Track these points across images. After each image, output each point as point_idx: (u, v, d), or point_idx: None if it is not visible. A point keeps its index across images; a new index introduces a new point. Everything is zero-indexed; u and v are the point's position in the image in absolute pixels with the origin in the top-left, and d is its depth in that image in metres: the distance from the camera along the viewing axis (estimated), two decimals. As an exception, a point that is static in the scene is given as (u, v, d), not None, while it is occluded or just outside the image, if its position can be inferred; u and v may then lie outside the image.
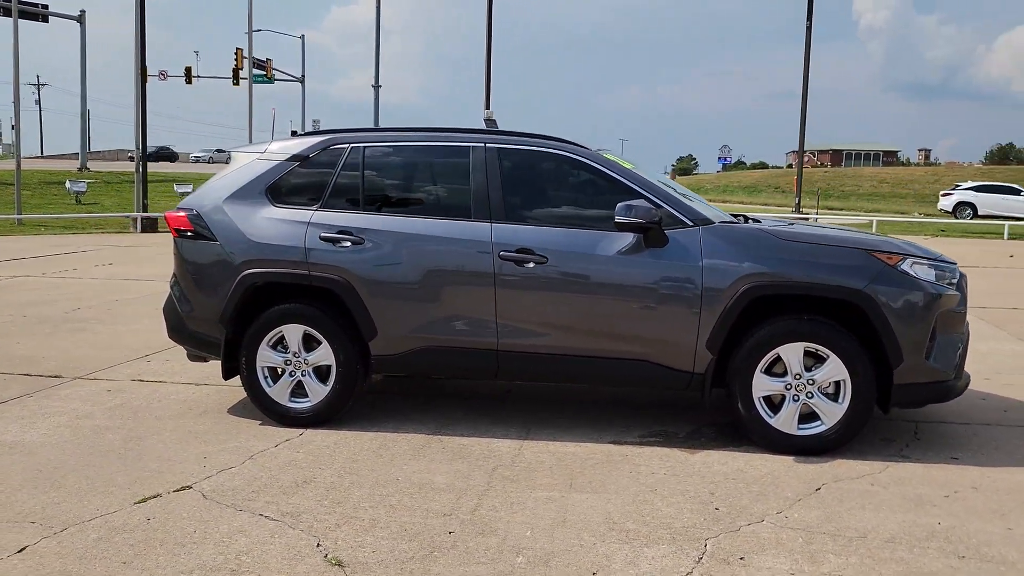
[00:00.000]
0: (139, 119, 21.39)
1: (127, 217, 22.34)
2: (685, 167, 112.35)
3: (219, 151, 70.91)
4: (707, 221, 4.69)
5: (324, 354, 4.95)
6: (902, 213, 38.48)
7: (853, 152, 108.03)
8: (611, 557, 3.38)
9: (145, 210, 21.53)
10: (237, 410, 5.38)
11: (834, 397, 4.52)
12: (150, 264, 13.86)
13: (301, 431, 4.94)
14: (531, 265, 4.70)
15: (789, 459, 4.50)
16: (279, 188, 5.11)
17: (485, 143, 4.96)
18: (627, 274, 4.63)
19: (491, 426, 5.06)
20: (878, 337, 4.42)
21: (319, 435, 4.88)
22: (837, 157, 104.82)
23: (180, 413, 5.31)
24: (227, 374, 5.17)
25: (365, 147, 5.10)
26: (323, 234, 4.93)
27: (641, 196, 4.70)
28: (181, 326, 5.26)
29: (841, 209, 40.13)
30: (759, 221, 5.12)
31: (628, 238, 4.64)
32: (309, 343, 4.99)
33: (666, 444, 4.76)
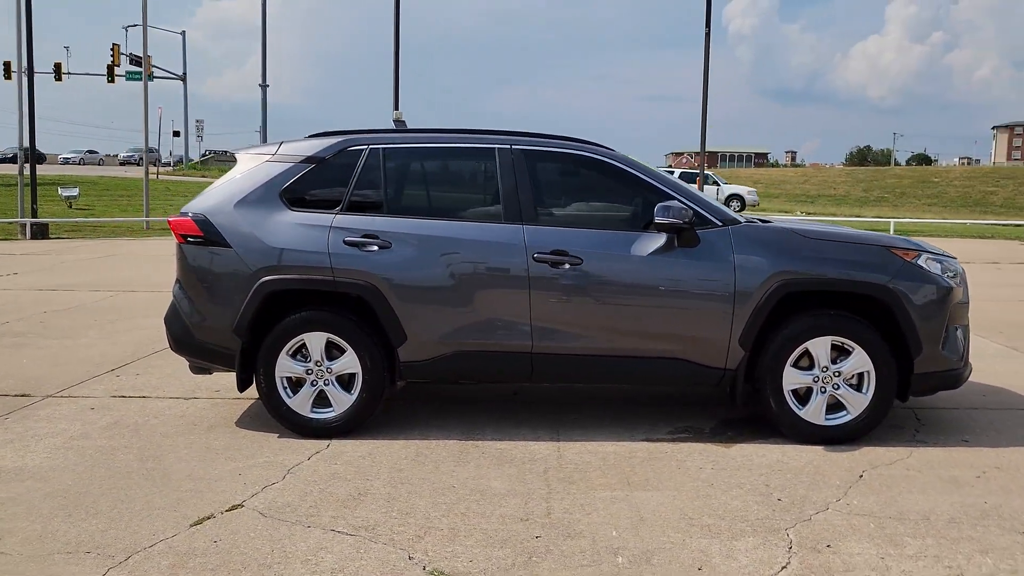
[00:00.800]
0: (27, 119, 20.02)
1: (13, 223, 20.87)
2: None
3: (90, 152, 67.23)
4: (735, 221, 4.82)
5: (349, 362, 4.81)
6: (785, 212, 40.40)
7: (727, 154, 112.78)
8: (707, 552, 3.43)
9: (34, 215, 20.20)
10: (246, 423, 5.16)
11: (858, 388, 4.72)
12: (60, 272, 13.05)
13: (327, 442, 4.78)
14: (566, 267, 4.70)
15: (819, 449, 4.68)
16: (294, 191, 4.93)
17: (511, 145, 4.94)
18: (662, 274, 4.71)
19: (518, 429, 5.04)
20: (900, 329, 4.66)
21: (348, 446, 4.73)
22: (712, 158, 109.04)
23: (186, 429, 5.04)
24: (242, 386, 4.94)
25: (384, 149, 4.98)
26: (347, 238, 4.78)
27: (672, 197, 4.78)
28: (187, 337, 4.99)
29: (728, 208, 41.69)
30: (768, 221, 5.29)
31: (660, 238, 4.71)
32: (331, 351, 4.83)
33: (698, 439, 4.87)
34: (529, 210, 4.82)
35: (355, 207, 4.90)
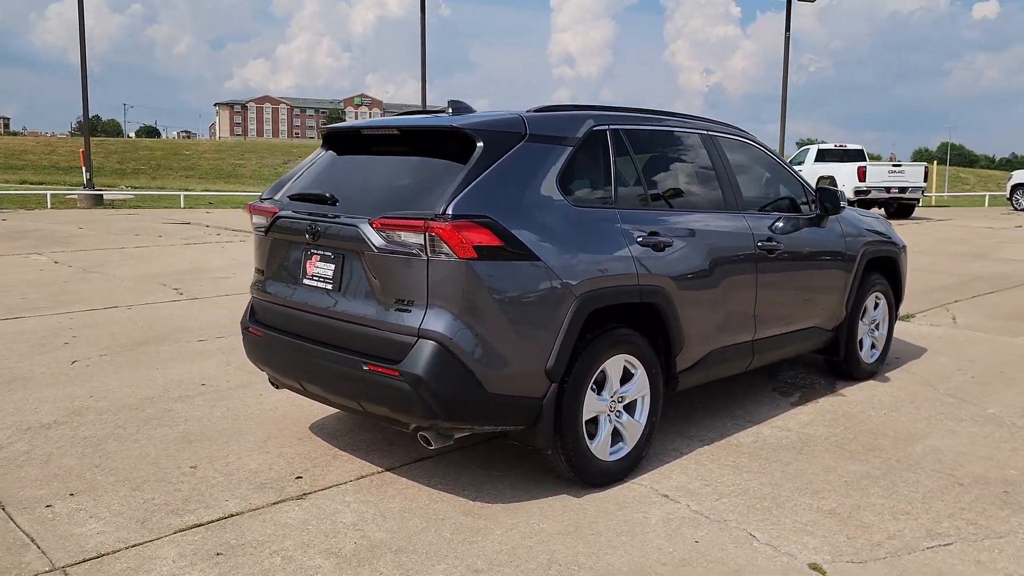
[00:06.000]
0: None
1: None
2: None
3: None
4: (825, 203, 5.49)
5: (640, 384, 4.02)
6: (54, 183, 37.76)
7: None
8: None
9: None
10: (483, 495, 3.80)
11: (878, 329, 5.97)
12: None
13: (627, 485, 3.94)
14: (776, 253, 4.77)
15: (872, 382, 5.76)
16: (566, 181, 3.80)
17: (707, 130, 4.69)
18: (821, 252, 5.16)
19: (688, 428, 4.84)
20: (899, 281, 6.05)
21: (653, 481, 4.00)
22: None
23: (449, 534, 3.49)
24: (548, 443, 3.67)
25: (623, 130, 4.17)
26: (640, 238, 3.96)
27: (801, 182, 5.22)
28: (476, 395, 3.41)
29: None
30: None
31: (805, 220, 5.13)
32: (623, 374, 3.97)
33: (813, 398, 5.38)
34: (740, 197, 4.70)
35: (622, 200, 4.04)
